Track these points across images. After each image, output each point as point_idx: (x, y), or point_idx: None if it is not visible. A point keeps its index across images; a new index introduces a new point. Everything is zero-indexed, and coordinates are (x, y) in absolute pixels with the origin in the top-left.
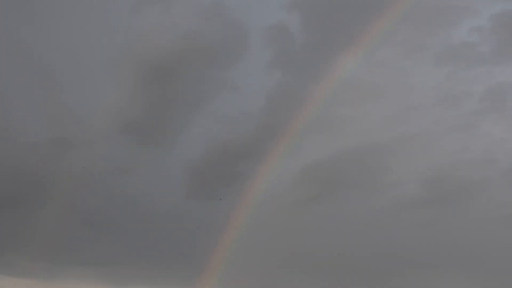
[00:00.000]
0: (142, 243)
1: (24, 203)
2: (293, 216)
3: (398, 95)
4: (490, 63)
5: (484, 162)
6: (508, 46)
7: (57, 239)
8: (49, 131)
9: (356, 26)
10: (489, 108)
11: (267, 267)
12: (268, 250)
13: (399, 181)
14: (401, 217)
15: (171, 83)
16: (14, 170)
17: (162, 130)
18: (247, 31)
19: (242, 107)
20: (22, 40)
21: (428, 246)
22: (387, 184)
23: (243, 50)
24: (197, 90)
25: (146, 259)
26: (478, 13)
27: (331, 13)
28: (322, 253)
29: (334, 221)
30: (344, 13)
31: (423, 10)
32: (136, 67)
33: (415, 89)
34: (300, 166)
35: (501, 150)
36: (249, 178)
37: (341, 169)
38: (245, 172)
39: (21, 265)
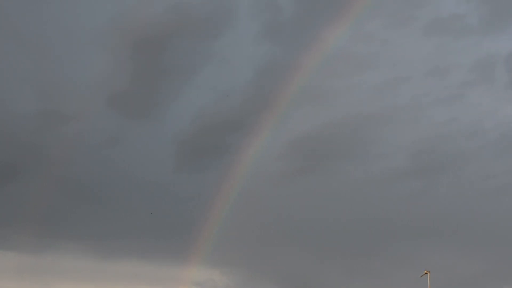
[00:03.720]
0: (131, 216)
1: (12, 175)
2: (281, 188)
3: (387, 67)
4: (479, 34)
5: (472, 133)
6: (497, 17)
7: (45, 212)
8: (38, 103)
9: None
10: (478, 79)
11: (255, 239)
12: (256, 223)
13: (387, 153)
14: (389, 188)
15: (159, 55)
16: (3, 142)
17: (150, 102)
18: (235, 2)
19: (231, 79)
20: (11, 13)
21: (416, 216)
22: (376, 156)
23: (231, 22)
24: (185, 62)
25: (135, 232)
26: None
27: None
28: (309, 224)
29: (322, 193)
30: None
31: None
32: (124, 40)
33: (404, 60)
34: (288, 138)
35: (490, 121)
36: (237, 151)
37: (329, 141)
38: (233, 144)
39: (10, 238)
